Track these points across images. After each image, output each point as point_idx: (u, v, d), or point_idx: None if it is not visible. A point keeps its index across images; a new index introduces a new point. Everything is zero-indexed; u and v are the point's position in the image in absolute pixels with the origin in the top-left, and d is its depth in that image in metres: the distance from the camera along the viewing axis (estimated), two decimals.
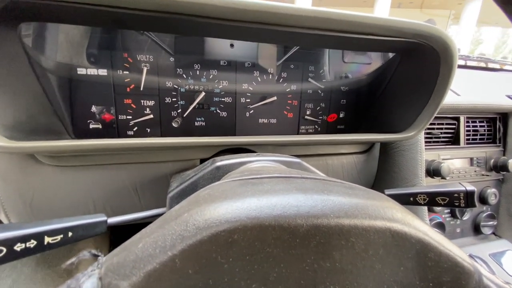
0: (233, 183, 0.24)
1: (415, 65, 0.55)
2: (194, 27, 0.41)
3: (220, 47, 0.59)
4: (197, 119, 0.60)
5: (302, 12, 0.39)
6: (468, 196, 0.39)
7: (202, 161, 0.58)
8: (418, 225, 0.21)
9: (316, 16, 0.40)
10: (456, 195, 0.39)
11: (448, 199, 0.40)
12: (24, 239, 0.26)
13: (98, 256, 0.19)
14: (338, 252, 0.19)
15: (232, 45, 0.59)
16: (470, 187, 0.39)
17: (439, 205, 0.41)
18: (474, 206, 0.39)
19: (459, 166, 0.78)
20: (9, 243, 0.25)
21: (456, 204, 0.40)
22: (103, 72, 0.52)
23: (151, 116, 0.57)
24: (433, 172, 0.70)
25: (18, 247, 0.26)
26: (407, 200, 0.42)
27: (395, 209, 0.22)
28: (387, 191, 0.44)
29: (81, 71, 0.51)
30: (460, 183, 0.41)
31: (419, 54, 0.52)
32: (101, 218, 0.32)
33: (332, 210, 0.20)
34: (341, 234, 0.19)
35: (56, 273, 0.90)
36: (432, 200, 0.41)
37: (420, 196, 0.41)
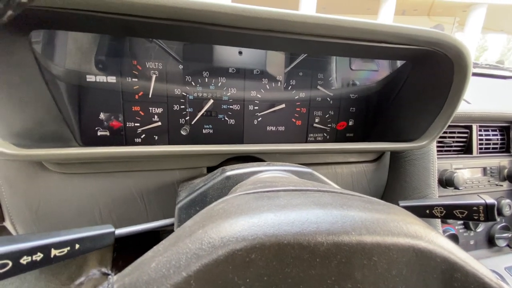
0: (248, 196, 0.23)
1: (427, 73, 0.54)
2: (204, 35, 0.41)
3: (229, 54, 0.58)
4: (205, 126, 0.60)
5: (313, 19, 0.39)
6: (488, 210, 0.37)
7: (209, 169, 0.57)
8: (443, 242, 0.20)
9: (328, 24, 0.39)
10: (475, 208, 0.38)
11: (466, 212, 0.38)
12: (30, 252, 0.25)
13: (108, 274, 0.18)
14: (360, 272, 0.18)
15: (240, 53, 0.59)
16: (490, 200, 0.38)
17: (457, 218, 0.39)
18: (494, 220, 0.37)
19: (472, 176, 0.75)
20: (15, 256, 0.24)
21: (475, 217, 0.38)
22: (112, 79, 0.52)
23: (159, 123, 0.56)
24: (446, 182, 0.68)
25: (24, 260, 0.25)
26: (423, 213, 0.41)
27: (418, 225, 0.21)
28: (402, 203, 0.43)
29: (90, 78, 0.51)
30: (478, 196, 0.39)
31: (432, 62, 0.51)
32: (108, 229, 0.31)
33: (353, 227, 0.19)
34: (363, 252, 0.18)
35: (60, 281, 0.90)
36: (449, 213, 0.39)
37: (436, 208, 0.40)
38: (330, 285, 0.18)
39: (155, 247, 0.19)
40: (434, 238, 0.20)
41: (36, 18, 0.34)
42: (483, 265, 0.20)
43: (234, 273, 0.16)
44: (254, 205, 0.21)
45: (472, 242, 0.76)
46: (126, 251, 1.11)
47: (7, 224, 0.52)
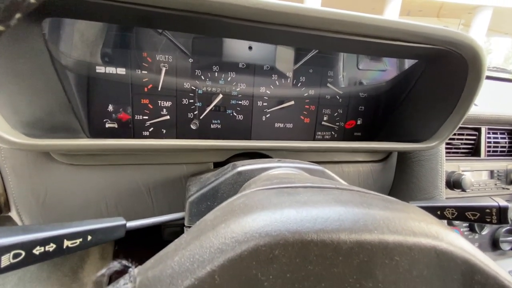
0: (267, 192, 0.23)
1: (440, 73, 0.53)
2: (220, 28, 0.40)
3: (239, 49, 0.58)
4: (213, 121, 0.59)
5: (333, 15, 0.38)
6: (501, 212, 0.37)
7: (216, 164, 0.57)
8: (463, 244, 0.19)
9: (347, 20, 0.39)
10: (488, 210, 0.38)
11: (479, 214, 0.38)
12: (43, 242, 0.25)
13: (129, 267, 0.17)
14: (381, 271, 0.18)
15: (250, 48, 0.58)
16: (503, 203, 0.37)
17: (469, 220, 0.39)
18: (507, 222, 0.37)
19: (479, 178, 0.75)
20: (28, 246, 0.24)
21: (488, 220, 0.38)
22: (121, 71, 0.52)
23: (168, 117, 0.56)
24: (454, 184, 0.68)
25: (37, 250, 0.25)
26: (434, 214, 0.40)
27: (438, 226, 0.20)
28: (412, 203, 0.42)
29: (99, 69, 0.50)
30: (491, 198, 0.39)
31: (446, 61, 0.50)
32: (120, 222, 0.31)
33: (375, 226, 0.19)
34: (385, 252, 0.18)
35: (62, 272, 0.90)
36: (461, 215, 0.39)
37: (448, 210, 0.40)
38: (352, 283, 0.17)
39: (176, 240, 0.18)
40: (455, 240, 0.19)
41: (50, 5, 0.33)
42: (501, 268, 0.20)
43: (258, 269, 0.16)
44: (275, 201, 0.20)
45: (476, 245, 0.76)
46: (127, 244, 1.12)
47: (13, 214, 0.52)
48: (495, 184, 0.76)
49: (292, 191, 0.23)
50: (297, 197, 0.21)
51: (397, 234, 0.18)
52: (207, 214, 0.21)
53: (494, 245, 0.78)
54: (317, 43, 0.48)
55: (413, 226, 0.19)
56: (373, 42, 0.44)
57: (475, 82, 0.49)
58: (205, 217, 0.20)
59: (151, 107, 0.55)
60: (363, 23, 0.40)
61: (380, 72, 0.68)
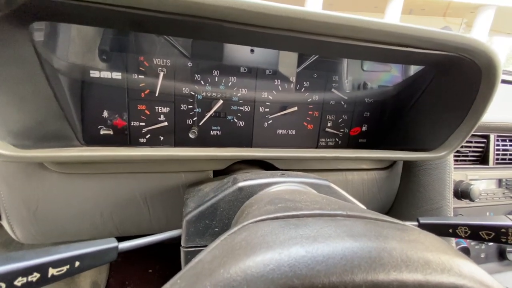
0: (272, 224, 0.20)
1: (452, 80, 0.50)
2: (217, 33, 0.37)
3: (240, 52, 0.55)
4: (213, 128, 0.57)
5: (339, 20, 0.36)
6: None
7: (215, 172, 0.55)
8: (488, 281, 0.17)
9: (354, 25, 0.36)
10: (503, 230, 0.35)
11: (493, 234, 0.36)
12: (26, 272, 0.23)
13: None
14: None
15: (252, 51, 0.56)
16: None
17: (482, 239, 0.37)
18: None
19: (486, 187, 0.73)
20: (8, 277, 0.22)
21: (503, 240, 0.35)
22: (117, 75, 0.49)
23: (165, 123, 0.53)
24: (461, 194, 0.66)
25: (19, 281, 0.22)
26: (446, 232, 0.38)
27: (461, 260, 0.18)
28: (422, 220, 0.40)
29: (94, 73, 0.48)
30: (507, 217, 0.37)
31: (458, 68, 0.47)
32: (111, 244, 0.28)
33: (392, 265, 0.17)
34: None
35: None
36: (474, 233, 0.37)
37: (460, 228, 0.37)
38: None
39: (168, 285, 0.16)
40: (479, 277, 0.17)
41: (37, 9, 0.31)
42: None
43: None
44: (281, 237, 0.18)
45: (483, 255, 0.74)
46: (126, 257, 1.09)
47: (4, 223, 0.50)
48: (503, 193, 0.74)
49: (299, 222, 0.20)
50: (305, 231, 0.19)
51: (416, 273, 0.16)
52: (204, 251, 0.19)
53: (501, 255, 0.76)
54: (322, 49, 0.46)
55: (435, 263, 0.17)
56: (381, 48, 0.42)
57: (488, 90, 0.47)
58: (202, 255, 0.18)
59: (148, 113, 0.52)
60: (372, 28, 0.38)
61: (387, 76, 0.65)
